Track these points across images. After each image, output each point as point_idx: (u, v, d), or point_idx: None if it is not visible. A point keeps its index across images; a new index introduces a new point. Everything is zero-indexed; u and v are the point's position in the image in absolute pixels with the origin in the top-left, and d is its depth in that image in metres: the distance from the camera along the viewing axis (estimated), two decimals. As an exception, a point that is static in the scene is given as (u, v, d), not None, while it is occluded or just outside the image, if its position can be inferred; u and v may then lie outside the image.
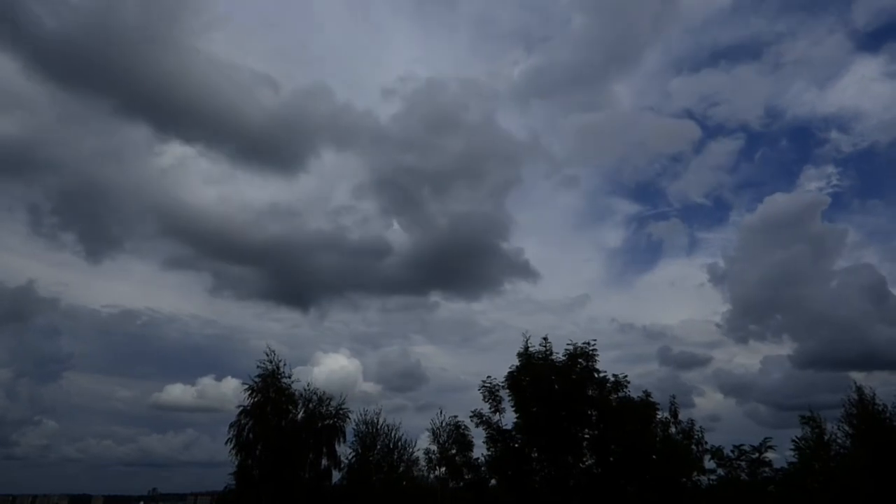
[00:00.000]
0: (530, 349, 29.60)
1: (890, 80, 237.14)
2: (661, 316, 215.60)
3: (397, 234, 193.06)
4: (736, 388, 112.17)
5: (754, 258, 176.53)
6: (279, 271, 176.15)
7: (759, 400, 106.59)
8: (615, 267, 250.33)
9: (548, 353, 29.36)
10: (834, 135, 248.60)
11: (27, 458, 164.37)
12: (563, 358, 29.01)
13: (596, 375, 28.70)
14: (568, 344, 29.15)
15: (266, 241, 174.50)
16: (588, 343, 28.98)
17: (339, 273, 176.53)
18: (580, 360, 28.75)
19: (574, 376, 28.53)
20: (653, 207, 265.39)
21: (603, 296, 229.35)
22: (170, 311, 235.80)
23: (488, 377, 30.20)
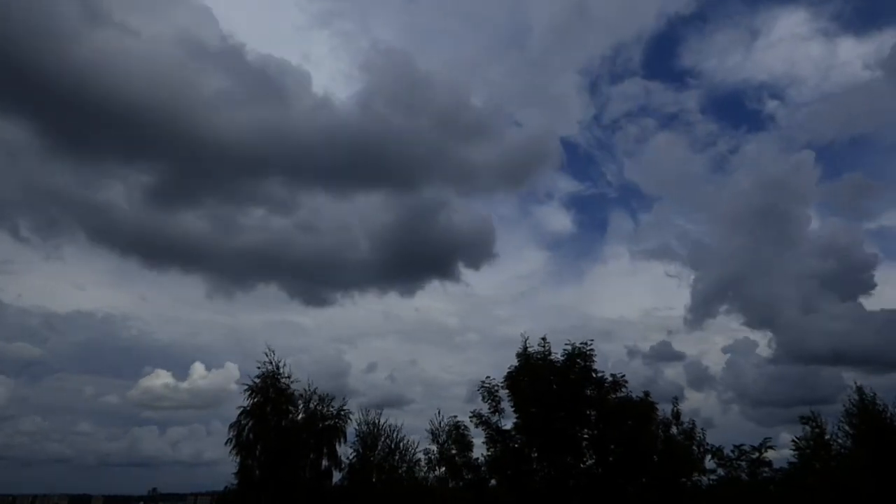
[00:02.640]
0: (529, 350, 29.71)
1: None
2: (620, 308, 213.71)
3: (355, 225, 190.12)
4: (705, 383, 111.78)
5: (714, 246, 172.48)
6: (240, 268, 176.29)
7: (729, 395, 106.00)
8: (566, 257, 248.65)
9: (546, 353, 29.47)
10: (771, 105, 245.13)
11: (27, 458, 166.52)
12: (562, 358, 29.09)
13: (594, 375, 28.75)
14: (566, 344, 29.34)
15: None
16: (586, 343, 29.14)
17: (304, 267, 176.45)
18: (578, 361, 28.83)
19: (573, 376, 28.60)
20: (601, 193, 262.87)
21: (554, 288, 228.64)
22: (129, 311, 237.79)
23: (487, 377, 30.36)
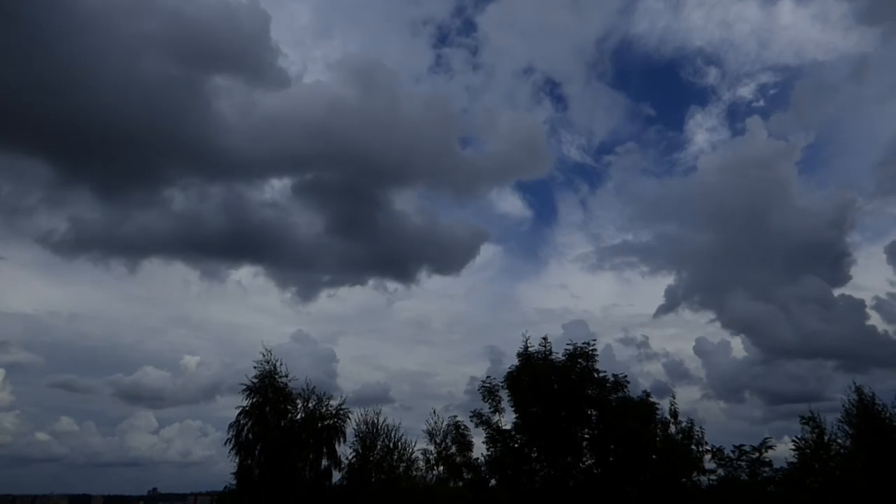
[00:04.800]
0: (530, 349, 29.74)
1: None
2: (583, 303, 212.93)
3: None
4: (679, 380, 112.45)
5: (680, 240, 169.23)
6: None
7: (704, 393, 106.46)
8: (521, 245, 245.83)
9: (547, 353, 29.50)
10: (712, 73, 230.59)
11: (26, 458, 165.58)
12: (563, 358, 29.10)
13: (595, 375, 28.77)
14: (567, 344, 29.37)
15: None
16: (588, 343, 29.17)
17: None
18: (580, 361, 28.83)
19: (574, 376, 28.59)
20: (556, 185, 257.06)
21: (513, 283, 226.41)
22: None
23: (488, 377, 30.50)
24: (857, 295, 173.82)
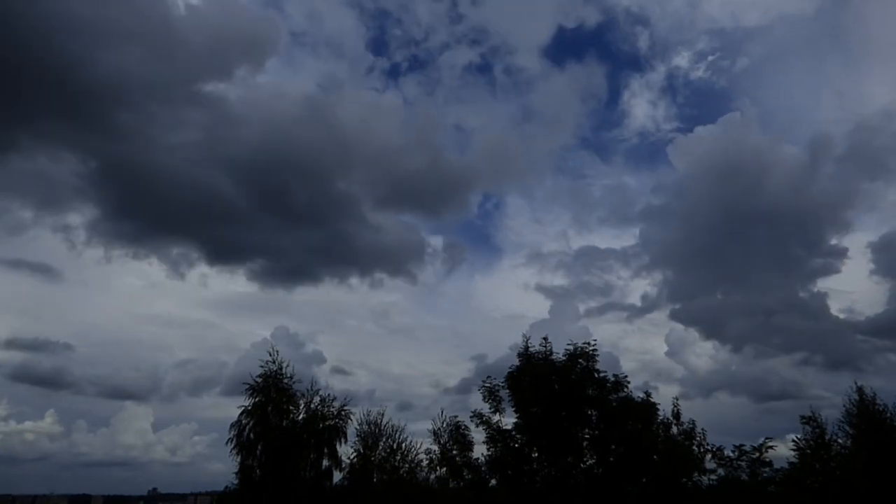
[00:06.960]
0: (530, 349, 29.78)
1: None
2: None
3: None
4: (658, 378, 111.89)
5: (653, 238, 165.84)
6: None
7: (682, 388, 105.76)
8: (487, 247, 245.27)
9: (548, 353, 29.54)
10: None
11: (26, 458, 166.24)
12: (563, 358, 29.13)
13: (596, 375, 28.80)
14: (568, 344, 29.38)
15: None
16: (588, 343, 29.19)
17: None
18: (580, 361, 28.86)
19: (574, 376, 28.63)
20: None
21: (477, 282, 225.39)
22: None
23: (488, 377, 30.43)
24: (838, 293, 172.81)
